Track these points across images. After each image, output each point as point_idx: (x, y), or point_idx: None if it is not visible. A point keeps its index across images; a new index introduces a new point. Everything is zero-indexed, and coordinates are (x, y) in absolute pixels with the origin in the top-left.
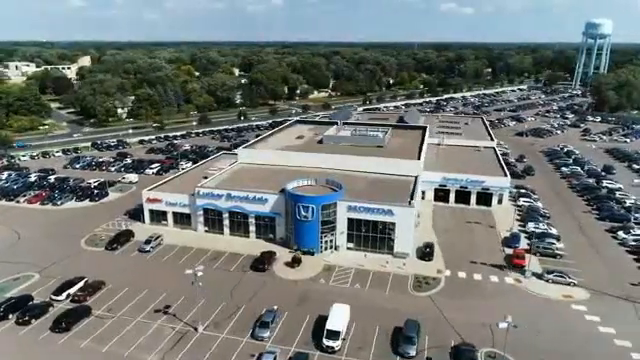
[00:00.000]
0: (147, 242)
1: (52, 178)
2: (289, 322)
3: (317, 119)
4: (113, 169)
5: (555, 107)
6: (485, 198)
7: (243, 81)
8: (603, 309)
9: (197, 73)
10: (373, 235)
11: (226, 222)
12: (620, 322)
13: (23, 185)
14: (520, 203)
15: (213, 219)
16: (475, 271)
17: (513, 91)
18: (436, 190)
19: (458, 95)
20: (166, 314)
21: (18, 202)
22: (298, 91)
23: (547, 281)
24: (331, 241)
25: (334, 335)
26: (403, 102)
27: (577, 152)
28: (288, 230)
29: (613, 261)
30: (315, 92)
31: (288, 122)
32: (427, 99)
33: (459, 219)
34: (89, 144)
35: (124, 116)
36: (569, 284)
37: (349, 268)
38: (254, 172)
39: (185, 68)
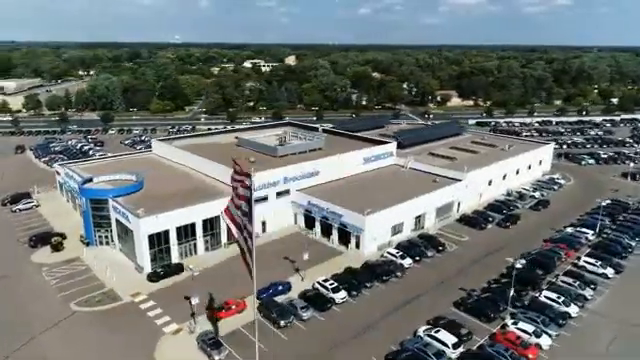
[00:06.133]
0: (18, 204)
1: (85, 148)
2: None
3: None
4: (138, 147)
5: None
6: (347, 237)
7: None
8: None
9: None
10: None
11: (77, 201)
12: None
13: (61, 149)
14: (385, 253)
15: (73, 197)
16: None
17: None
18: (307, 216)
19: None
20: None
21: (39, 159)
22: (439, 98)
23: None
24: (106, 237)
25: None
26: (543, 118)
27: None
28: None
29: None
30: (457, 99)
31: (274, 122)
32: (587, 117)
33: (282, 253)
34: (169, 127)
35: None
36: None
37: (84, 266)
38: (147, 164)
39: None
